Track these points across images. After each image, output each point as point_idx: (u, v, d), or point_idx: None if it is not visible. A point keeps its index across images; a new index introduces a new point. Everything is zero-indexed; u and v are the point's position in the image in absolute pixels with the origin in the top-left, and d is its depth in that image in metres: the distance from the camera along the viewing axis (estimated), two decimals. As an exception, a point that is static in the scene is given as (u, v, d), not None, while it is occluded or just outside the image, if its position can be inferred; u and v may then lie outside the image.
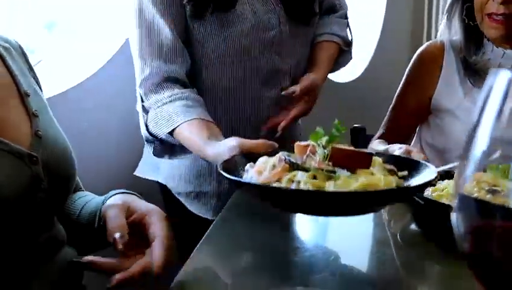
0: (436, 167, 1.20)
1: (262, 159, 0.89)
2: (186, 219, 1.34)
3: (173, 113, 1.13)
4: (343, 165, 0.80)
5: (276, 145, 0.99)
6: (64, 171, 0.80)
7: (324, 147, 0.80)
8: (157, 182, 1.41)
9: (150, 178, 1.41)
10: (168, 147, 1.24)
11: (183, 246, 0.82)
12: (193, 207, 1.36)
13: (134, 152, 1.44)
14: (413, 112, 1.42)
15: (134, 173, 1.43)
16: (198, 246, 0.80)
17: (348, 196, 0.71)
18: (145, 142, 1.28)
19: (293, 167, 0.78)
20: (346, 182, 0.74)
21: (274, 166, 0.79)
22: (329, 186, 0.73)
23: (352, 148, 0.82)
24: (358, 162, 0.81)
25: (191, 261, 0.75)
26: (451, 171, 0.96)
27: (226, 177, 0.76)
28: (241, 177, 0.82)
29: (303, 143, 0.84)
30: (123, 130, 1.57)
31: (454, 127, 1.32)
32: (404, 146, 1.07)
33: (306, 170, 0.76)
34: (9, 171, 0.68)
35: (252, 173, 0.80)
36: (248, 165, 0.86)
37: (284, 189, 0.71)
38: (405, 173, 0.88)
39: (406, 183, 0.83)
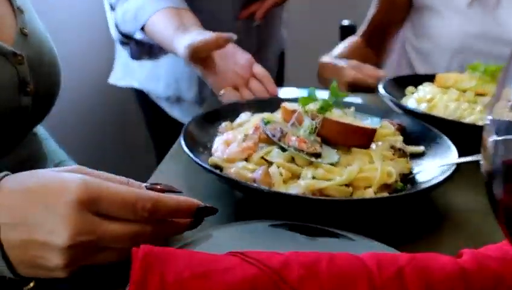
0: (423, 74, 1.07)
1: (243, 117, 0.74)
2: (167, 124, 1.26)
3: (140, 7, 0.96)
4: (335, 141, 0.64)
5: (234, 37, 0.84)
6: (51, 75, 0.71)
7: (313, 118, 0.63)
8: (133, 89, 1.31)
9: (125, 85, 1.31)
10: (146, 48, 1.10)
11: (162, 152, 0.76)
12: (175, 112, 1.27)
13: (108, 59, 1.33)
14: (395, 5, 1.32)
15: (108, 81, 1.33)
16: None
17: (311, 202, 0.54)
18: (120, 45, 1.13)
19: (270, 140, 0.62)
20: (329, 171, 0.58)
21: (246, 136, 0.64)
22: (305, 176, 0.58)
23: (349, 120, 0.65)
24: (354, 139, 0.64)
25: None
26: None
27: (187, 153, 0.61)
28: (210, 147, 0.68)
29: (290, 106, 0.67)
30: (92, 34, 1.42)
31: (438, 26, 1.23)
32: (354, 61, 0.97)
33: (284, 148, 0.61)
34: None
35: (219, 144, 0.65)
36: (221, 127, 0.71)
37: (232, 179, 0.56)
38: (420, 149, 0.71)
39: (416, 169, 0.66)
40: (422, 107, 0.88)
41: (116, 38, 1.09)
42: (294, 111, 0.65)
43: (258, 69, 0.91)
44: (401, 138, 0.70)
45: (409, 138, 0.73)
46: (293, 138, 0.61)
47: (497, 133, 0.27)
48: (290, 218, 0.51)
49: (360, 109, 0.76)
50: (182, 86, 1.23)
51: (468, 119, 0.81)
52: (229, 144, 0.64)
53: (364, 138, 0.64)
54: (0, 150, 0.64)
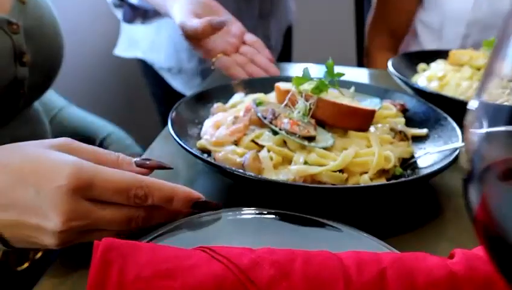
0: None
1: (236, 98, 0.70)
2: (170, 95, 1.24)
3: None
4: (330, 123, 0.60)
5: (229, 19, 0.81)
6: (51, 46, 0.68)
7: (307, 98, 0.59)
8: (138, 60, 1.29)
9: (129, 55, 1.29)
10: (140, 12, 1.07)
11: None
12: (177, 83, 1.25)
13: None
14: None
15: (114, 53, 1.31)
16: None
17: (298, 189, 0.50)
18: (113, 8, 1.10)
19: (262, 122, 0.59)
20: (322, 156, 0.55)
21: (236, 119, 0.60)
22: (297, 161, 0.54)
23: (346, 101, 0.60)
24: (351, 121, 0.60)
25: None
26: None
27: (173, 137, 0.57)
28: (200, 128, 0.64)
29: (283, 86, 0.63)
30: (98, 5, 1.39)
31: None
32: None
33: (275, 132, 0.57)
34: None
35: (208, 127, 0.62)
36: (213, 108, 0.67)
37: (217, 165, 0.52)
38: (423, 131, 0.66)
39: (418, 153, 0.62)
40: (433, 86, 0.83)
41: (110, 0, 1.07)
42: (288, 91, 0.61)
43: (249, 36, 0.86)
44: (402, 120, 0.66)
45: (413, 119, 0.69)
46: (285, 121, 0.57)
47: (484, 123, 0.23)
48: (280, 204, 0.48)
49: (360, 88, 0.72)
50: (182, 56, 1.20)
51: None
52: (218, 126, 0.60)
53: (361, 120, 0.60)
54: (4, 115, 0.62)
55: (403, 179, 0.51)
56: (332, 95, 0.61)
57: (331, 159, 0.54)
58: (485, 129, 0.23)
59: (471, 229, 0.22)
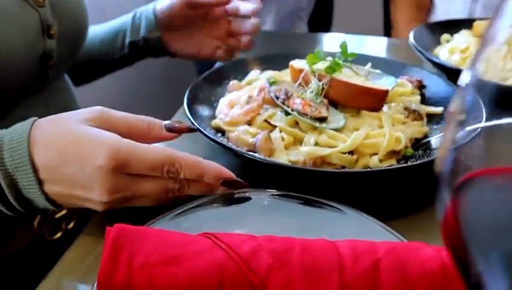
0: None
1: (252, 75, 0.71)
2: None
3: None
4: (343, 103, 0.60)
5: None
6: (76, 16, 0.70)
7: (320, 78, 0.60)
8: None
9: None
10: None
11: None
12: None
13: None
14: None
15: None
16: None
17: (302, 172, 0.52)
18: None
19: (275, 102, 0.59)
20: (332, 137, 0.55)
21: (250, 98, 0.61)
22: (308, 142, 0.55)
23: (359, 81, 0.60)
24: (364, 101, 0.60)
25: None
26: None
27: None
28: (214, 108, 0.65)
29: (297, 65, 0.63)
30: None
31: None
32: None
33: (287, 112, 0.58)
34: (16, 18, 0.58)
35: (223, 106, 0.63)
36: (229, 85, 0.68)
37: (227, 146, 0.54)
38: (438, 109, 0.66)
39: (433, 133, 0.62)
40: (454, 59, 0.81)
41: None
42: (301, 70, 0.62)
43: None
44: (418, 98, 0.65)
45: (431, 97, 0.68)
46: (298, 101, 0.58)
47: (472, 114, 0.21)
48: (289, 185, 0.50)
49: (377, 63, 0.71)
50: None
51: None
52: (233, 105, 0.61)
53: (374, 100, 0.60)
54: (28, 95, 0.64)
55: (403, 165, 0.51)
56: (346, 74, 0.61)
57: (341, 141, 0.55)
58: (471, 126, 0.22)
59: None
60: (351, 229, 0.43)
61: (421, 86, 0.69)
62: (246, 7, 0.77)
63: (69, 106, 0.75)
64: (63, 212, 0.62)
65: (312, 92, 0.59)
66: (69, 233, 0.63)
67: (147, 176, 0.45)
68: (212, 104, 0.66)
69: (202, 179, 0.46)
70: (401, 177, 0.55)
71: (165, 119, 0.50)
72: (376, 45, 1.09)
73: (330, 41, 1.10)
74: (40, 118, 0.48)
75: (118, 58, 0.82)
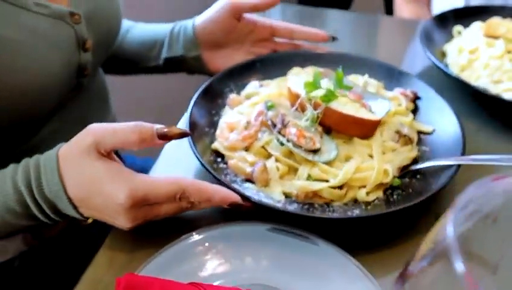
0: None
1: (250, 88, 0.74)
2: None
3: None
4: (336, 130, 0.64)
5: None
6: (110, 28, 0.72)
7: (315, 107, 0.63)
8: None
9: None
10: None
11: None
12: None
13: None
14: None
15: None
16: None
17: (291, 215, 0.56)
18: None
19: (272, 129, 0.64)
20: (324, 171, 0.60)
21: (248, 124, 0.65)
22: (301, 176, 0.60)
23: (353, 109, 0.63)
24: (357, 129, 0.64)
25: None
26: None
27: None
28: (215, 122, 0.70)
29: (295, 90, 0.67)
30: None
31: None
32: None
33: (282, 141, 0.62)
34: (51, 38, 0.60)
35: (222, 129, 0.67)
36: (229, 99, 0.72)
37: (222, 181, 0.58)
38: (429, 129, 0.69)
39: (422, 154, 0.66)
40: (461, 61, 0.82)
41: None
42: (298, 96, 0.65)
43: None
44: (410, 118, 0.69)
45: (424, 110, 0.72)
46: (293, 131, 0.62)
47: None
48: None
49: (373, 70, 0.76)
50: None
51: (504, 87, 0.75)
52: (232, 129, 0.66)
53: (366, 129, 0.63)
54: (72, 94, 0.68)
55: (384, 211, 0.56)
56: (341, 101, 0.64)
57: (332, 175, 0.60)
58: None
59: None
60: (323, 261, 0.51)
61: (416, 98, 0.73)
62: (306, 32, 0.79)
63: (104, 105, 0.81)
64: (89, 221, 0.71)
65: (307, 120, 0.63)
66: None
67: (162, 203, 0.52)
68: (213, 117, 0.70)
69: (210, 202, 0.54)
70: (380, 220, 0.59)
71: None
72: (378, 25, 1.09)
73: (335, 18, 1.10)
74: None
75: (152, 67, 0.83)
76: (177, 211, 0.54)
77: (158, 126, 0.52)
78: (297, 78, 0.69)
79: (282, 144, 0.62)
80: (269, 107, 0.66)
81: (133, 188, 0.50)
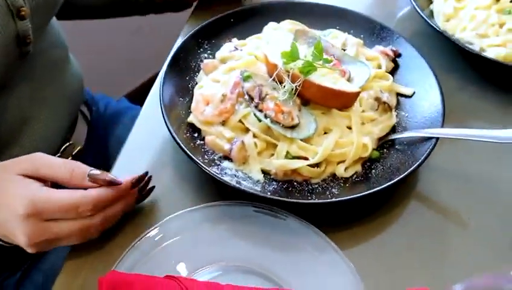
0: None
1: (225, 50, 0.71)
2: None
3: None
4: (315, 102, 0.63)
5: None
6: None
7: (294, 79, 0.61)
8: None
9: None
10: None
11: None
12: None
13: None
14: None
15: None
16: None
17: (272, 201, 0.57)
18: None
19: (249, 103, 0.62)
20: (303, 148, 0.60)
21: (224, 97, 0.64)
22: (280, 153, 0.60)
23: (331, 80, 0.62)
24: (336, 102, 0.63)
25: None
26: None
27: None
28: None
29: (272, 60, 0.64)
30: None
31: None
32: None
33: (260, 117, 0.61)
34: None
35: (198, 101, 0.65)
36: (204, 64, 0.69)
37: (202, 166, 0.58)
38: (409, 91, 0.69)
39: (400, 122, 0.66)
40: (447, 10, 0.79)
41: None
42: (275, 66, 0.63)
43: None
44: (389, 81, 0.68)
45: (404, 68, 0.72)
46: (271, 106, 0.61)
47: None
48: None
49: (354, 22, 0.75)
50: None
51: (489, 42, 0.73)
52: (207, 102, 0.64)
53: (345, 101, 0.63)
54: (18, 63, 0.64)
55: (364, 193, 0.57)
56: (320, 72, 0.62)
57: (311, 152, 0.60)
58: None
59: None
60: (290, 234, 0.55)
61: (396, 55, 0.72)
62: None
63: (60, 74, 0.77)
64: None
65: (285, 93, 0.62)
66: None
67: (64, 219, 0.50)
68: (187, 85, 0.69)
69: (119, 199, 0.53)
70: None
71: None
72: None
73: None
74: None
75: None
76: (83, 229, 0.51)
77: (92, 171, 0.52)
78: (275, 46, 0.66)
79: (260, 120, 0.61)
80: (245, 78, 0.64)
81: (31, 198, 0.49)
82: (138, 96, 0.88)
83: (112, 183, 0.52)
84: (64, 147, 0.76)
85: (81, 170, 0.52)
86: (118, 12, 0.89)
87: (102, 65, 1.31)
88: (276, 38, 0.68)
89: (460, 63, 0.77)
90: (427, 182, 0.63)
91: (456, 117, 0.69)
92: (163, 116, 0.61)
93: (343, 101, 0.63)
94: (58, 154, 0.75)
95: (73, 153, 0.77)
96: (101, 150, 0.86)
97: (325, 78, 0.62)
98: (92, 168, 0.52)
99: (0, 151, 0.66)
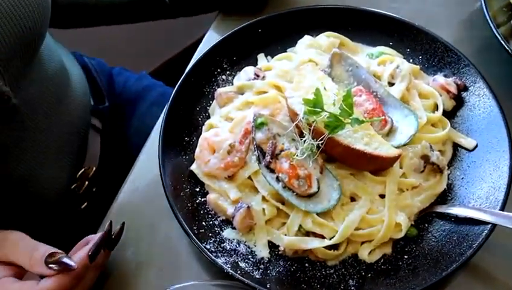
0: None
1: (243, 76, 0.61)
2: None
3: None
4: (342, 162, 0.53)
5: None
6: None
7: (314, 136, 0.50)
8: None
9: None
10: None
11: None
12: None
13: None
14: None
15: None
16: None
17: None
18: None
19: (259, 160, 0.53)
20: (319, 225, 0.50)
21: (232, 147, 0.54)
22: (291, 226, 0.51)
23: (362, 144, 0.50)
24: (368, 164, 0.52)
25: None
26: None
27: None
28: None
29: (292, 106, 0.53)
30: None
31: None
32: None
33: (270, 182, 0.51)
34: None
35: (203, 149, 0.56)
36: (218, 94, 0.60)
37: (206, 253, 0.50)
38: (471, 143, 0.56)
39: (450, 196, 0.54)
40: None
41: None
42: (296, 114, 0.52)
43: None
44: (444, 131, 0.56)
45: (470, 107, 0.58)
46: (285, 166, 0.51)
47: None
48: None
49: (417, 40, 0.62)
50: None
51: None
52: (213, 150, 0.55)
53: (380, 165, 0.52)
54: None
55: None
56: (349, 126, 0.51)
57: (329, 230, 0.50)
58: None
59: None
60: None
61: (462, 89, 0.59)
62: None
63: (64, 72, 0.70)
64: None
65: (303, 152, 0.51)
66: (95, 203, 0.72)
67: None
68: (197, 118, 0.60)
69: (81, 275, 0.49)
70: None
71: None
72: None
73: None
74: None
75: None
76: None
77: (48, 259, 0.49)
78: (298, 85, 0.55)
79: (270, 183, 0.52)
80: (258, 125, 0.54)
81: None
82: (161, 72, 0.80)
83: (66, 270, 0.49)
84: (78, 174, 0.71)
85: (39, 255, 0.49)
86: (141, 15, 0.79)
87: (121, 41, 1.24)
88: (301, 75, 0.56)
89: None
90: (482, 260, 0.51)
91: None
92: (161, 175, 0.54)
93: (377, 165, 0.51)
94: (75, 185, 0.71)
95: (90, 176, 0.73)
96: (119, 136, 0.81)
97: (356, 135, 0.51)
98: (51, 249, 0.49)
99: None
